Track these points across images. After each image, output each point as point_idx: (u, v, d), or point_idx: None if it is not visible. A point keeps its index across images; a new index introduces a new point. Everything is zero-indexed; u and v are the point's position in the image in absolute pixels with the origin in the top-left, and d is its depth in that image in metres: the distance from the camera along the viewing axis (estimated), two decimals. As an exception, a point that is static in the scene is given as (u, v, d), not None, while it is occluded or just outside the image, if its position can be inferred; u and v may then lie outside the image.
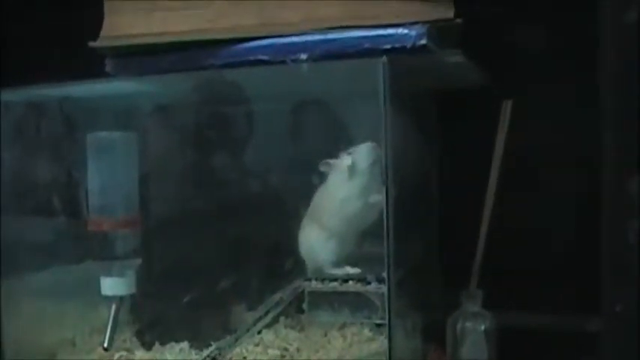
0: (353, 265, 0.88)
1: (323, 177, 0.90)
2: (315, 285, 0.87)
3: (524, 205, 0.98)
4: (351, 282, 0.85)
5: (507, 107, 0.89)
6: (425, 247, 0.97)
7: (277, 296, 0.90)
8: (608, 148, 0.64)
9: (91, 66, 0.88)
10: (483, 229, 0.90)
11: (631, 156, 0.63)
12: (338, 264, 0.88)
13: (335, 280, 0.86)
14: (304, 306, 0.88)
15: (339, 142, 0.89)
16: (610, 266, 0.64)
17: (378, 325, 0.85)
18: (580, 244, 0.89)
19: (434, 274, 1.00)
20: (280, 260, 0.93)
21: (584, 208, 0.78)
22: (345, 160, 0.88)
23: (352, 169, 0.87)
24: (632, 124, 0.63)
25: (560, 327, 0.97)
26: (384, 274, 0.75)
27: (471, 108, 0.97)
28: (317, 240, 0.90)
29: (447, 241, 1.00)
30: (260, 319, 0.89)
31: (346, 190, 0.88)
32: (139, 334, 0.94)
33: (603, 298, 0.64)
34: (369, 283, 0.84)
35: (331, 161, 0.89)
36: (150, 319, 0.94)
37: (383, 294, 0.78)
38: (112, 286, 0.90)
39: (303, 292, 0.87)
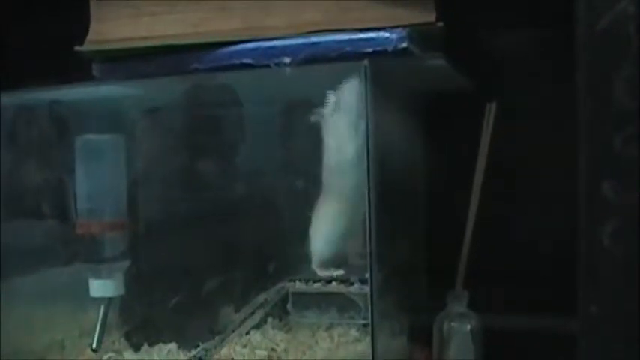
0: (338, 266, 0.89)
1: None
2: (298, 286, 0.87)
3: (510, 207, 0.99)
4: (334, 283, 0.86)
5: (491, 110, 0.89)
6: (410, 248, 0.97)
7: (262, 297, 0.91)
8: (582, 152, 0.64)
9: (81, 69, 0.89)
10: (469, 229, 0.90)
11: (605, 160, 0.63)
12: (330, 260, 0.87)
13: (318, 281, 0.86)
14: (288, 307, 0.88)
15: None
16: (585, 268, 0.64)
17: (365, 326, 0.86)
18: (566, 245, 0.90)
19: (419, 275, 1.00)
20: (267, 261, 0.94)
21: (570, 210, 0.79)
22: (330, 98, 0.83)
23: (338, 104, 0.83)
24: (607, 127, 0.63)
25: (547, 328, 0.97)
26: (367, 275, 0.76)
27: (456, 110, 0.98)
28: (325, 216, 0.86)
29: (433, 241, 1.00)
30: (245, 320, 0.90)
31: (340, 133, 0.83)
32: (128, 336, 0.94)
33: (579, 299, 0.65)
34: (353, 283, 0.85)
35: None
36: (138, 320, 0.95)
37: (366, 295, 0.79)
38: (100, 287, 0.90)
39: (287, 293, 0.88)
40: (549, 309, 0.95)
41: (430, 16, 0.78)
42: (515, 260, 0.99)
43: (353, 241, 0.86)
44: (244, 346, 0.89)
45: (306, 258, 0.87)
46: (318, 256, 0.88)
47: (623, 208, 0.63)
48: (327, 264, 0.88)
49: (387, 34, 0.77)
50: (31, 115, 0.96)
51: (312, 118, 0.83)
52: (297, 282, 0.87)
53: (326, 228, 0.87)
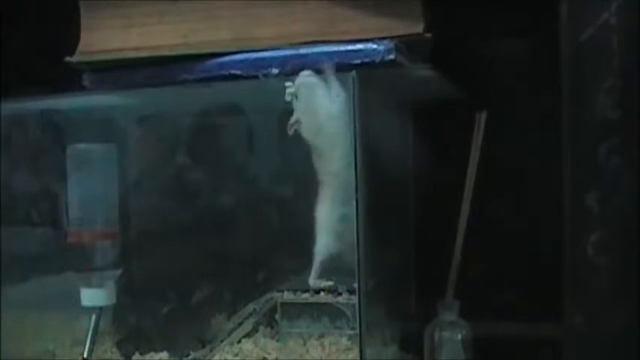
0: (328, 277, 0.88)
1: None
2: (287, 296, 0.87)
3: (500, 215, 0.99)
4: (322, 293, 0.86)
5: (481, 118, 0.89)
6: (400, 258, 0.98)
7: (250, 307, 0.91)
8: (567, 163, 0.65)
9: (75, 78, 0.90)
10: (459, 238, 0.90)
11: (589, 170, 0.64)
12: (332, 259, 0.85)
13: (307, 291, 0.86)
14: (277, 317, 0.88)
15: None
16: (570, 278, 0.65)
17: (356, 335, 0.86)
18: (556, 253, 0.90)
19: (410, 284, 1.00)
20: (257, 271, 0.94)
21: (560, 218, 0.79)
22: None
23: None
24: (591, 138, 0.64)
25: (537, 336, 0.97)
26: (355, 285, 0.76)
27: (446, 119, 0.98)
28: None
29: (424, 250, 1.01)
30: (234, 330, 0.90)
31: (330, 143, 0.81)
32: (119, 345, 0.94)
33: (564, 309, 0.65)
34: (340, 294, 0.85)
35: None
36: (130, 329, 0.95)
37: (354, 305, 0.79)
38: (91, 297, 0.91)
39: (276, 303, 0.88)
40: (540, 317, 0.95)
41: (418, 27, 0.79)
42: (508, 268, 0.99)
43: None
44: (236, 354, 0.89)
45: (294, 268, 0.87)
46: (318, 265, 0.86)
47: (607, 219, 0.63)
48: (326, 274, 0.88)
49: (374, 46, 0.77)
50: (23, 124, 0.96)
51: (290, 129, 0.82)
52: (286, 292, 0.88)
53: (326, 238, 0.85)
